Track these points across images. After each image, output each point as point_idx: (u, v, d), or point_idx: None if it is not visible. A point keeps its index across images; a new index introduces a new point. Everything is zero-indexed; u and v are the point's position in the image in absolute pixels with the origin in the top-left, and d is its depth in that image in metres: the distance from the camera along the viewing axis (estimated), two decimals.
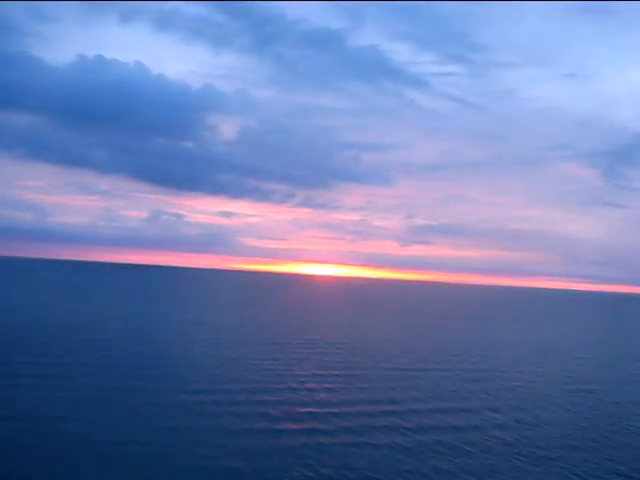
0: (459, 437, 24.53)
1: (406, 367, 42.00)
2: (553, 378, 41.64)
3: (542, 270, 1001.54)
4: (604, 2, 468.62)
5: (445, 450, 22.72)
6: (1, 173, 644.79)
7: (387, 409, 28.82)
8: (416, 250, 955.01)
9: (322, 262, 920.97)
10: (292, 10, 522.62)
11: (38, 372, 32.73)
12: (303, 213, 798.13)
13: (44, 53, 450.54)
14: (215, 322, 66.47)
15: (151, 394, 28.98)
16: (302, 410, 27.73)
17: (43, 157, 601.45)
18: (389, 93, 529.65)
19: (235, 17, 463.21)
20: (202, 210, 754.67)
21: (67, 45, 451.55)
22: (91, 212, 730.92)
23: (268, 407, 27.71)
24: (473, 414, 28.85)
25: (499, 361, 48.23)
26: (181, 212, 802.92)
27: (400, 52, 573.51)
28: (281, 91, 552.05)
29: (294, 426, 24.93)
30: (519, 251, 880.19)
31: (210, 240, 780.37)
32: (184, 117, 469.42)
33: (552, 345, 64.21)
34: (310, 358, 43.70)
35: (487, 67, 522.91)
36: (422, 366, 42.99)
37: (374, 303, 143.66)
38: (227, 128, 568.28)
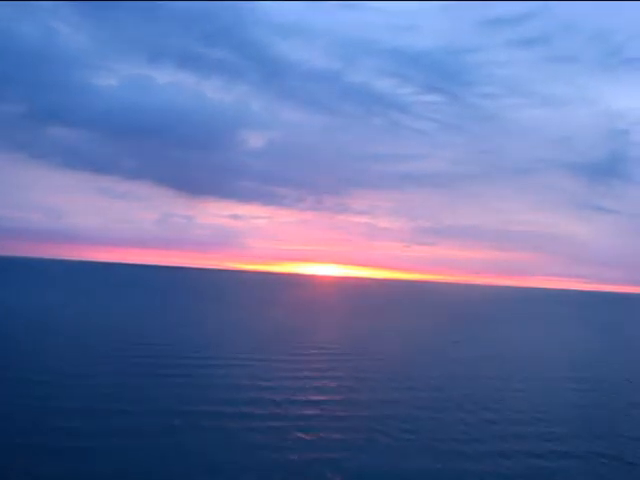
0: None
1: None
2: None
3: (542, 270, 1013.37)
4: (573, 52, 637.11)
5: None
6: (30, 180, 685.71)
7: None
8: (420, 251, 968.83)
9: (328, 263, 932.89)
10: (293, 53, 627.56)
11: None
12: (311, 216, 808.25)
13: (100, 80, 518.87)
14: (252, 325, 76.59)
15: None
16: None
17: (73, 166, 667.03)
18: (377, 114, 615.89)
19: (245, 57, 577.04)
20: (214, 213, 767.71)
21: (114, 74, 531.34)
22: (106, 214, 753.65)
23: None
24: None
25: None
26: (192, 214, 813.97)
27: (387, 86, 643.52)
28: (289, 111, 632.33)
29: None
30: (519, 252, 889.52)
31: (220, 241, 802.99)
32: (212, 130, 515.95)
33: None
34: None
35: (469, 97, 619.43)
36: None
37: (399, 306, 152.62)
38: (252, 141, 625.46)
